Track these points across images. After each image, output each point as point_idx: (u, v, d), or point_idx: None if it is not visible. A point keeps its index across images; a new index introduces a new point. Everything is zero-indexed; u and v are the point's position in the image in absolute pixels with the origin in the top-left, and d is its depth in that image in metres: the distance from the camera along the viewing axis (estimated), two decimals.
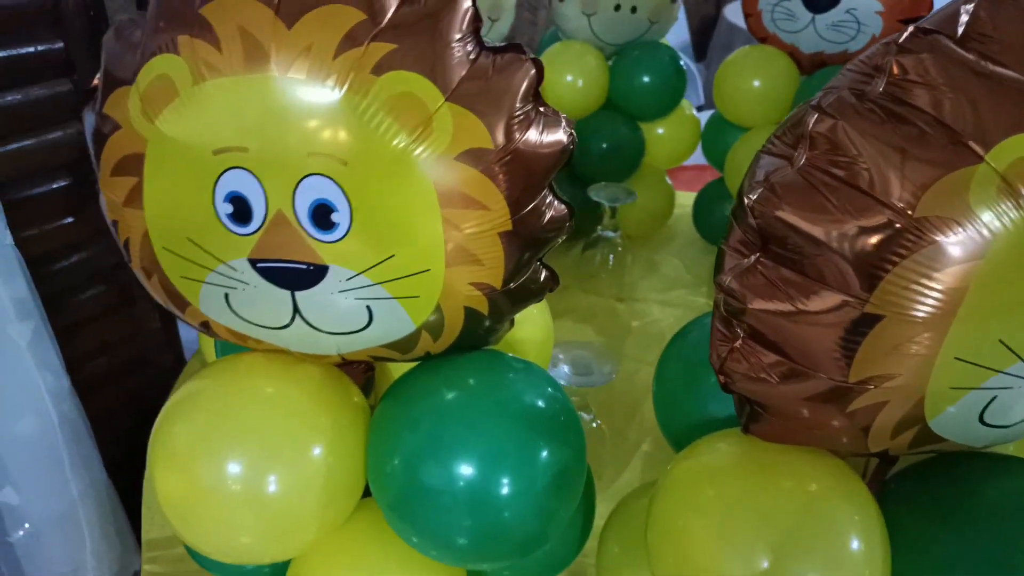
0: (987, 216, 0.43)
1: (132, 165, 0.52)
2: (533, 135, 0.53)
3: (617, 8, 1.52)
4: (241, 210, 0.51)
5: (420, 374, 0.63)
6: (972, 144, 0.43)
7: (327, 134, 0.48)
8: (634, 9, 1.52)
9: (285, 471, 0.57)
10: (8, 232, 0.99)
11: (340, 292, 0.53)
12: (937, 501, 0.57)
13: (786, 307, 0.48)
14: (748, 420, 0.56)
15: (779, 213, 0.47)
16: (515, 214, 0.53)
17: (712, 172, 1.70)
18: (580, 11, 1.53)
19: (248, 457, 0.57)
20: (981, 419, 0.50)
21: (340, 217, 0.50)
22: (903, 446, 0.53)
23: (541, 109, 0.55)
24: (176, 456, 0.58)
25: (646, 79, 1.56)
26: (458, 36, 0.51)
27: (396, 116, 0.48)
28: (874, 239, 0.45)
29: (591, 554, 0.76)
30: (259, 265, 0.52)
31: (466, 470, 0.57)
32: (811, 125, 0.47)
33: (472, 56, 0.51)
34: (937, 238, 0.43)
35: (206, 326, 0.60)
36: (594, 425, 1.05)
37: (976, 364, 0.47)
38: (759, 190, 0.48)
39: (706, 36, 3.57)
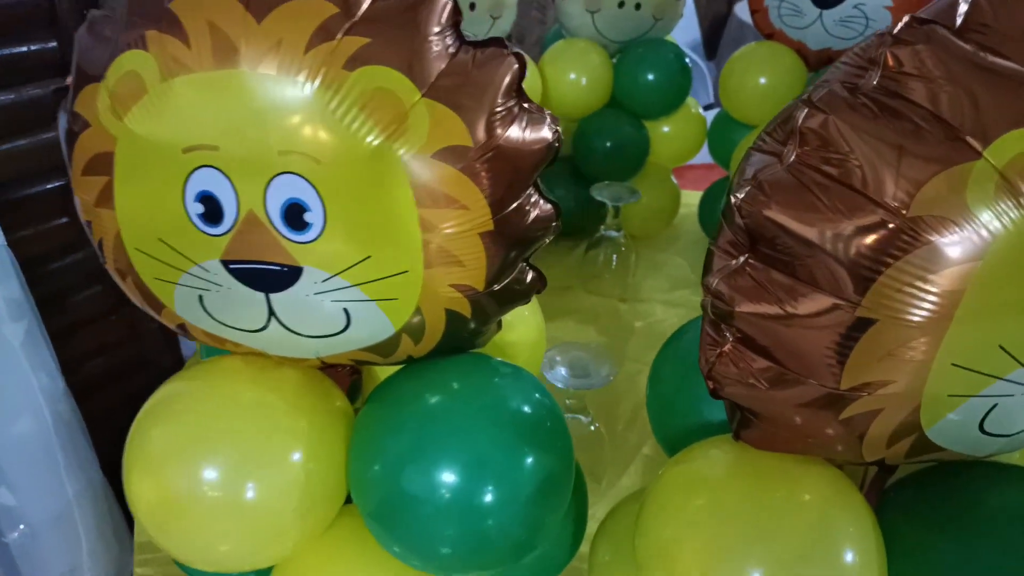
0: (985, 215, 0.41)
1: (102, 164, 0.50)
2: (515, 132, 0.51)
3: (621, 5, 1.50)
4: (212, 210, 0.49)
5: (403, 378, 0.61)
6: (970, 140, 0.41)
7: (298, 131, 0.46)
8: (638, 6, 1.50)
9: (262, 477, 0.56)
10: (0, 233, 0.99)
11: (316, 294, 0.52)
12: (937, 510, 0.54)
13: (775, 310, 0.46)
14: (739, 426, 0.54)
15: (768, 212, 0.45)
16: (497, 213, 0.52)
17: (719, 171, 1.68)
18: (584, 8, 1.51)
19: (224, 463, 0.55)
20: (981, 428, 0.48)
21: (313, 217, 0.48)
22: (900, 455, 0.50)
23: (525, 105, 0.53)
24: (151, 461, 0.56)
25: (651, 77, 1.53)
26: (436, 30, 0.49)
27: (370, 112, 0.46)
28: (867, 239, 0.43)
29: (586, 559, 0.75)
30: (232, 266, 0.51)
31: (449, 477, 0.55)
32: (801, 120, 0.45)
33: (451, 50, 0.49)
34: (932, 238, 0.41)
35: (183, 328, 0.59)
36: (592, 428, 1.03)
37: (974, 370, 0.44)
38: (747, 188, 0.46)
39: (717, 34, 3.54)
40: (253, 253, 0.50)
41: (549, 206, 0.56)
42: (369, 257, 0.50)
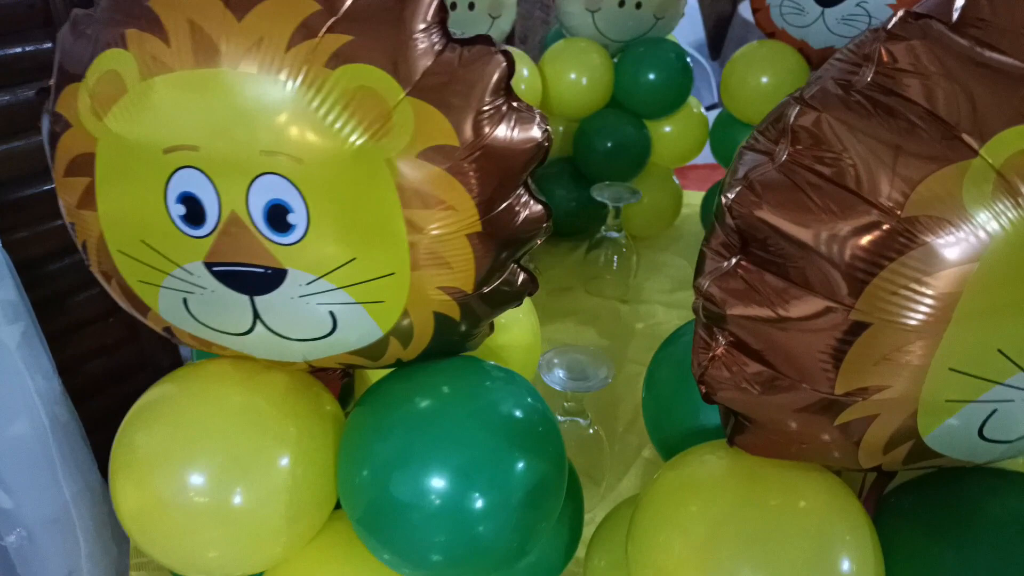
0: (982, 215, 0.39)
1: (84, 165, 0.50)
2: (504, 131, 0.50)
3: (621, 4, 1.49)
4: (194, 211, 0.48)
5: (393, 381, 0.60)
6: (966, 137, 0.40)
7: (280, 131, 0.45)
8: (639, 5, 1.49)
9: (249, 483, 0.55)
10: None
11: (301, 297, 0.51)
12: (937, 517, 0.53)
13: (767, 313, 0.45)
14: (733, 432, 0.53)
15: (759, 213, 0.44)
16: (485, 214, 0.51)
17: (722, 171, 1.66)
18: (584, 7, 1.50)
19: (211, 468, 0.55)
20: (981, 434, 0.47)
21: (296, 218, 0.48)
22: (897, 462, 0.49)
23: (514, 104, 0.52)
24: (136, 466, 0.55)
25: (652, 76, 1.52)
26: (422, 27, 0.48)
27: (353, 111, 0.45)
28: (860, 241, 0.41)
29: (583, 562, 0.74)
30: (215, 268, 0.50)
31: (438, 482, 0.54)
32: (793, 118, 0.44)
33: (437, 48, 0.48)
34: (928, 239, 0.40)
35: (170, 332, 0.58)
36: (591, 431, 1.02)
37: (973, 375, 0.43)
38: (738, 188, 0.45)
39: (721, 34, 3.52)
40: (236, 255, 0.49)
41: (540, 207, 0.55)
42: (354, 259, 0.49)
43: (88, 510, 1.19)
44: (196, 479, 0.54)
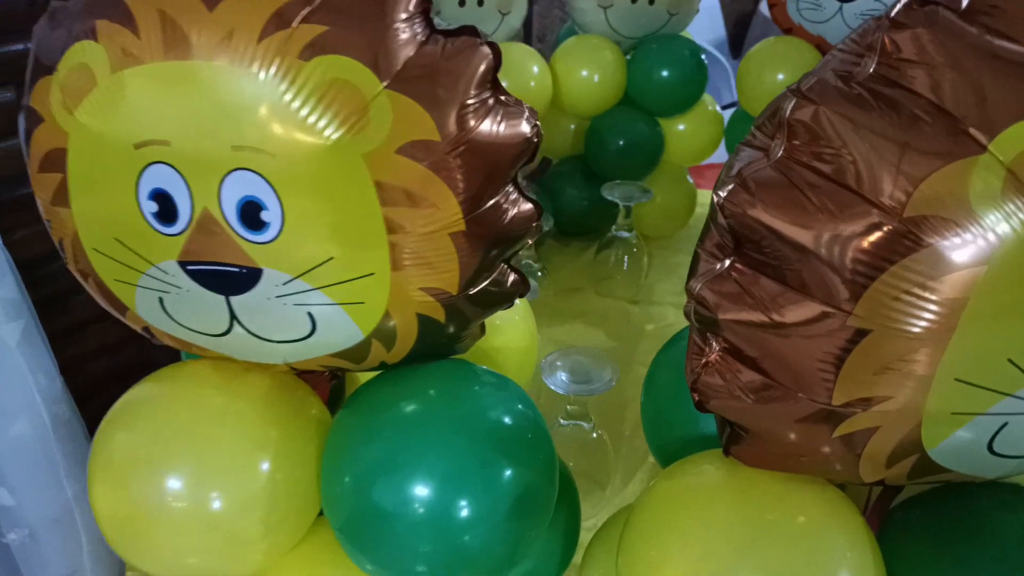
0: (991, 215, 0.37)
1: (56, 161, 0.48)
2: (489, 126, 0.48)
3: (634, 0, 1.46)
4: (166, 208, 0.47)
5: (379, 385, 0.58)
6: (974, 132, 0.37)
7: (252, 125, 0.44)
8: (652, 0, 1.46)
9: (227, 488, 0.53)
10: None
11: (278, 297, 0.49)
12: (944, 532, 0.51)
13: (761, 318, 0.42)
14: (728, 441, 0.51)
15: (753, 212, 0.42)
16: (470, 213, 0.49)
17: None
18: (596, 4, 1.47)
19: (188, 472, 0.53)
20: (990, 448, 0.44)
21: (271, 216, 0.46)
22: (901, 477, 0.46)
23: (502, 98, 0.50)
24: (112, 469, 0.54)
25: (665, 73, 1.49)
26: (403, 16, 0.46)
27: (328, 104, 0.44)
28: (860, 242, 0.39)
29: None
30: (189, 267, 0.48)
31: (423, 490, 0.52)
32: (789, 112, 0.41)
33: (420, 39, 0.46)
34: (933, 241, 0.37)
35: (149, 332, 0.56)
36: (595, 435, 1.00)
37: (981, 386, 0.40)
38: (730, 185, 0.42)
39: (742, 32, 3.48)
40: (210, 254, 0.48)
41: (529, 205, 0.53)
42: (332, 259, 0.48)
43: (91, 509, 1.19)
44: (173, 483, 0.53)
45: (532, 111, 0.51)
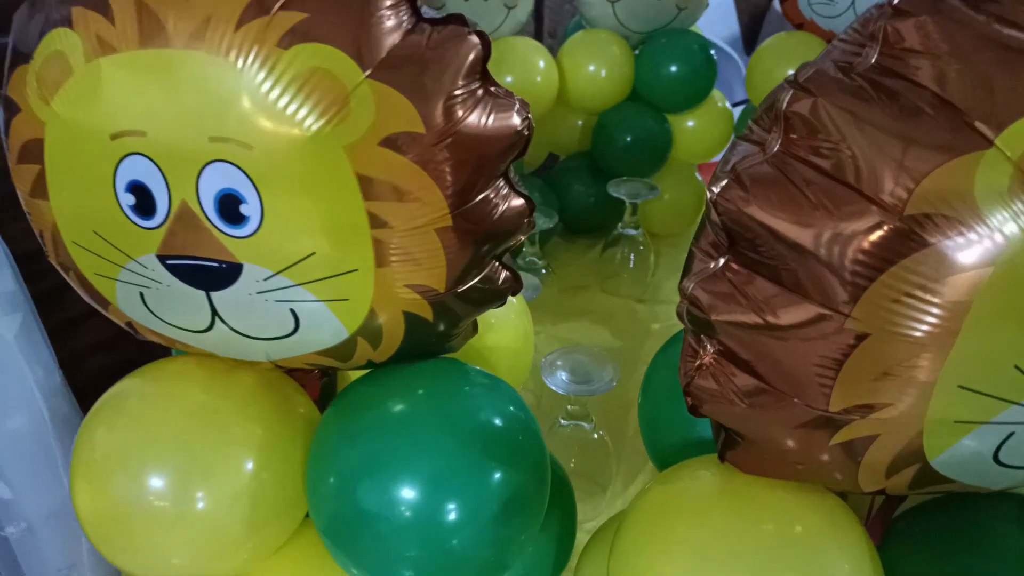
0: (997, 213, 0.35)
1: (34, 152, 0.47)
2: (477, 118, 0.46)
3: None
4: (144, 201, 0.45)
5: (367, 383, 0.57)
6: (980, 126, 0.35)
7: (229, 116, 0.42)
8: None
9: (210, 487, 0.52)
10: None
11: (259, 293, 0.48)
12: (948, 542, 0.49)
13: (755, 319, 0.41)
14: (724, 447, 0.49)
15: (747, 210, 0.40)
16: (457, 207, 0.47)
17: None
18: None
19: (168, 470, 0.52)
20: (996, 458, 0.42)
21: (250, 209, 0.44)
22: (902, 486, 0.45)
23: (492, 89, 0.48)
24: (93, 466, 0.53)
25: (674, 69, 1.47)
26: (388, 3, 0.44)
27: (307, 94, 0.42)
28: (859, 241, 0.37)
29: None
30: (168, 262, 0.47)
31: (409, 493, 0.51)
32: (786, 104, 0.39)
33: (405, 27, 0.45)
34: (935, 240, 0.36)
35: (132, 327, 0.55)
36: (596, 436, 0.98)
37: (985, 394, 0.38)
38: (724, 181, 0.41)
39: (756, 28, 3.44)
40: (190, 248, 0.46)
41: (521, 200, 0.52)
42: (314, 254, 0.46)
43: None
44: (155, 482, 0.52)
45: (523, 103, 0.50)
